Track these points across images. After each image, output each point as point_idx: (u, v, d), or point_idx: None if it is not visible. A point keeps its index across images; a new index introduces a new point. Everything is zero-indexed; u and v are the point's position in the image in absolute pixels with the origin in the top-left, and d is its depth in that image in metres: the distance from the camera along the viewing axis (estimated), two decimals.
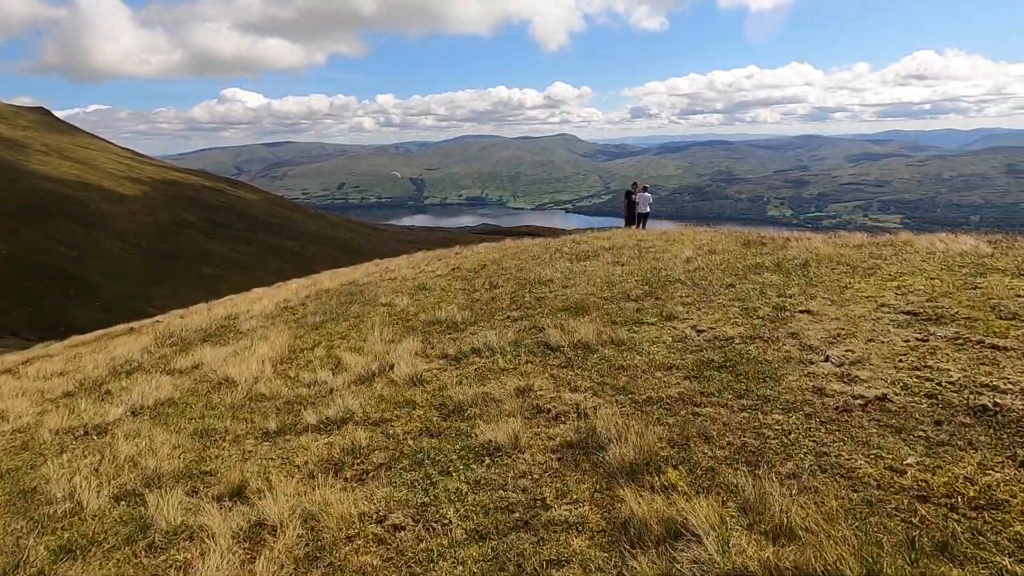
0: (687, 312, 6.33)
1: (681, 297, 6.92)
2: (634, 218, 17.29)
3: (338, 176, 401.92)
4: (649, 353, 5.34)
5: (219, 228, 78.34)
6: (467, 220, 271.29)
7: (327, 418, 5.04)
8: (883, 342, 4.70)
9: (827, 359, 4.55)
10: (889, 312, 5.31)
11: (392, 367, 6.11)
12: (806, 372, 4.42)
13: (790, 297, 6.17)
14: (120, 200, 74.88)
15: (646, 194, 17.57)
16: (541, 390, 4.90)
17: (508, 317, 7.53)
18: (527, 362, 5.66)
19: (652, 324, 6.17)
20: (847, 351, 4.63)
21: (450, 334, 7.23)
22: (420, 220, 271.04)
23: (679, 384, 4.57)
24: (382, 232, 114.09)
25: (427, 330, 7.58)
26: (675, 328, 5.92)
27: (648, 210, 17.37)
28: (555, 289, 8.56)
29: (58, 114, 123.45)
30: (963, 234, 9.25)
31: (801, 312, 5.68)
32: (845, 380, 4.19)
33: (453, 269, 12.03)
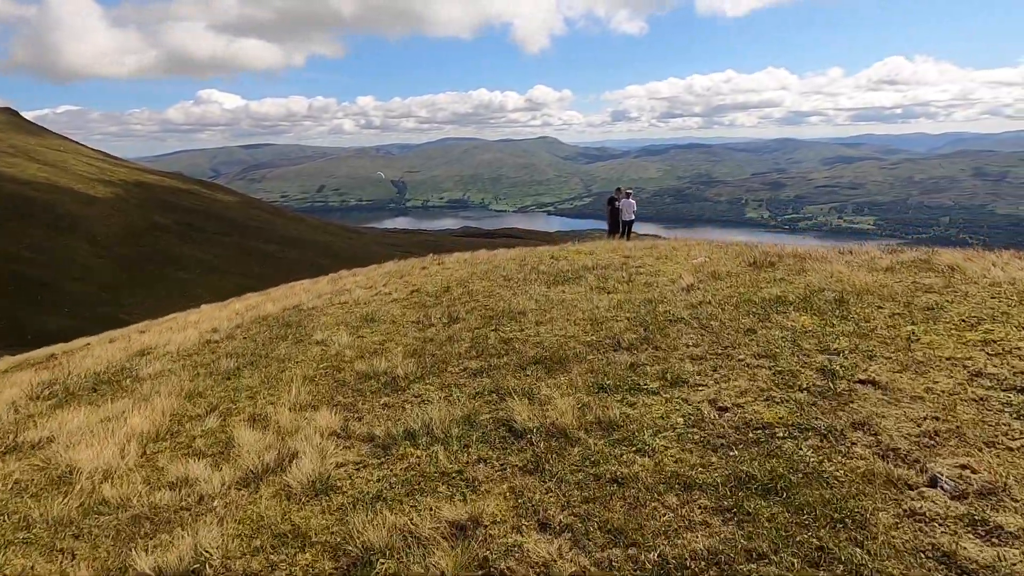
0: (699, 373, 4.68)
1: (688, 347, 5.27)
2: (618, 226, 16.19)
3: (318, 178, 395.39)
4: (654, 451, 3.65)
5: (195, 232, 75.41)
6: (449, 223, 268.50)
7: (163, 570, 3.25)
8: (1012, 448, 3.10)
9: (935, 482, 2.92)
10: (993, 387, 3.72)
11: (294, 457, 4.33)
12: (907, 510, 2.78)
13: (839, 355, 4.55)
14: (91, 203, 71.64)
15: (630, 200, 16.37)
16: (493, 526, 3.17)
17: (465, 370, 5.81)
18: (479, 459, 3.92)
19: (654, 392, 4.49)
20: (961, 467, 3.00)
21: (386, 395, 5.48)
22: (401, 223, 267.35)
23: (707, 527, 2.89)
24: (362, 235, 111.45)
25: (359, 387, 5.81)
26: (686, 401, 4.26)
27: (632, 217, 16.24)
28: (527, 327, 6.86)
29: (26, 115, 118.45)
30: (1003, 251, 7.83)
31: (863, 383, 4.06)
32: (981, 533, 2.56)
33: (412, 292, 10.24)
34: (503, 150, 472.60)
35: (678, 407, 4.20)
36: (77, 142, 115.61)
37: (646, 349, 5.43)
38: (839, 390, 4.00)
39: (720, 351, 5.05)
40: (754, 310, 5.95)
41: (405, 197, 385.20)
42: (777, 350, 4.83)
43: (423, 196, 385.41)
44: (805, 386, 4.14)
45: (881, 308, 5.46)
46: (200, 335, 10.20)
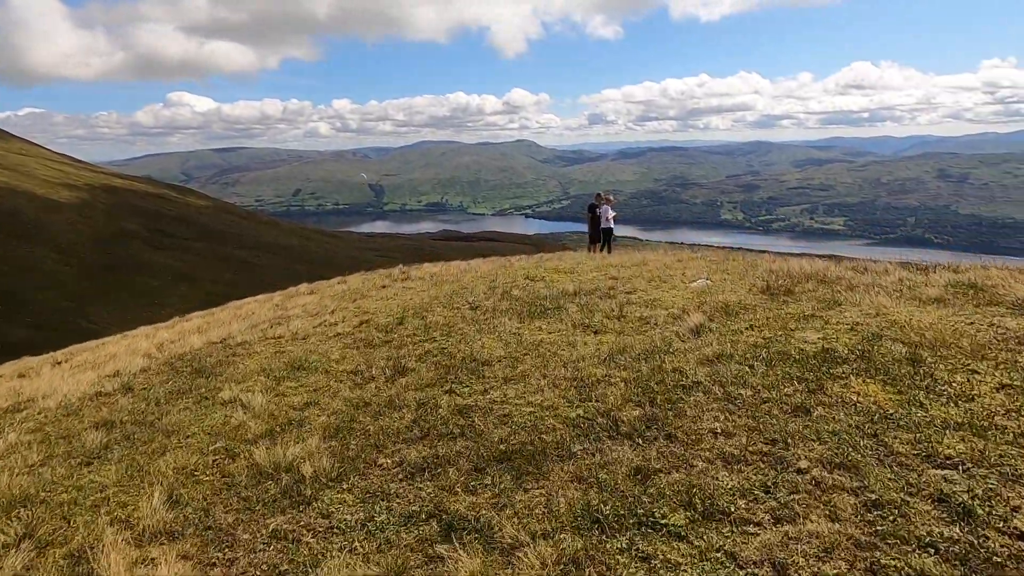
0: (744, 495, 3.05)
1: (716, 437, 3.65)
2: (599, 234, 14.76)
3: (294, 182, 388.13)
4: None
5: (165, 238, 72.26)
6: (427, 226, 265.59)
7: None
8: None
9: None
10: None
11: None
12: None
13: (959, 470, 2.95)
14: (55, 209, 68.15)
15: (609, 208, 14.80)
16: None
17: (401, 464, 4.09)
18: None
19: (678, 535, 2.85)
20: None
21: (281, 513, 3.73)
22: (380, 226, 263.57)
23: None
24: (340, 240, 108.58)
25: (248, 495, 4.04)
26: (734, 559, 2.64)
27: (612, 225, 14.72)
28: (491, 386, 5.18)
29: None
30: None
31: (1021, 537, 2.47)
32: None
33: (361, 323, 8.44)
34: (481, 153, 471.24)
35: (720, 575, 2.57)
36: (40, 146, 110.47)
37: (656, 438, 3.79)
38: (991, 551, 2.41)
39: (766, 449, 3.43)
40: (797, 372, 4.36)
41: (383, 201, 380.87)
42: (855, 454, 3.22)
43: (401, 200, 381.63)
44: (927, 539, 2.54)
45: (976, 373, 3.93)
46: (96, 381, 8.24)
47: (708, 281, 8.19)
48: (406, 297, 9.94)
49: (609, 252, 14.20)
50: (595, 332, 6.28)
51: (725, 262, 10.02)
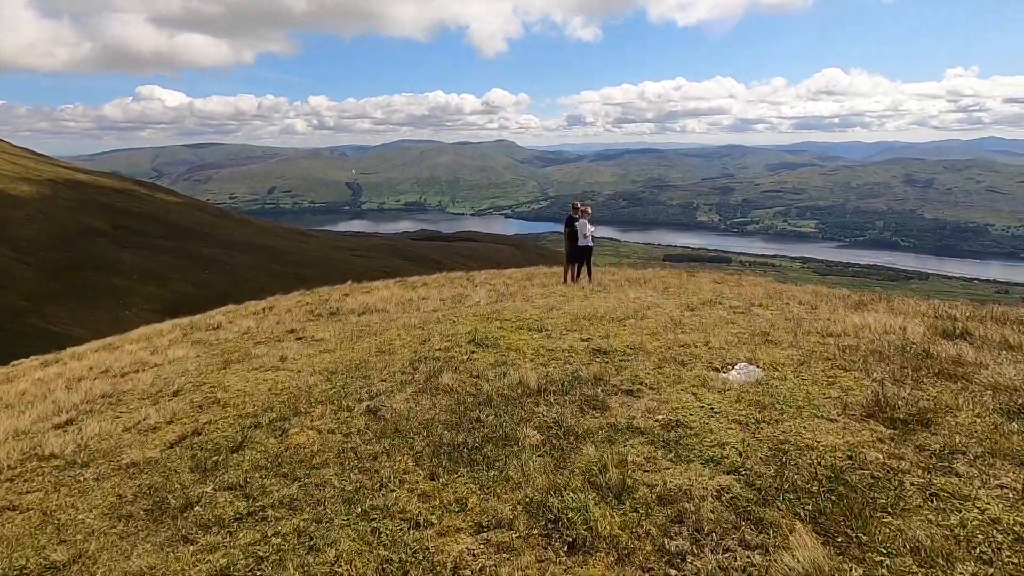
0: None
1: None
2: (576, 254, 12.47)
3: (268, 180, 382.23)
4: None
5: (133, 235, 70.40)
6: (406, 225, 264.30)
7: None
8: None
9: None
10: None
11: None
12: None
13: None
14: (13, 205, 65.63)
15: (587, 222, 12.30)
16: None
17: None
18: None
19: None
20: None
21: None
22: (357, 225, 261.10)
23: None
24: (316, 239, 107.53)
25: None
26: None
27: (590, 242, 12.44)
28: None
29: None
30: None
31: None
32: None
33: (187, 437, 5.27)
34: (460, 153, 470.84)
35: None
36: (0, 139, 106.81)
37: None
38: None
39: None
40: None
41: (360, 199, 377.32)
42: None
43: (379, 199, 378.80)
44: None
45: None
46: None
47: (757, 370, 5.04)
48: (292, 369, 6.89)
49: (590, 276, 12.55)
50: (570, 544, 2.96)
51: (755, 313, 7.49)
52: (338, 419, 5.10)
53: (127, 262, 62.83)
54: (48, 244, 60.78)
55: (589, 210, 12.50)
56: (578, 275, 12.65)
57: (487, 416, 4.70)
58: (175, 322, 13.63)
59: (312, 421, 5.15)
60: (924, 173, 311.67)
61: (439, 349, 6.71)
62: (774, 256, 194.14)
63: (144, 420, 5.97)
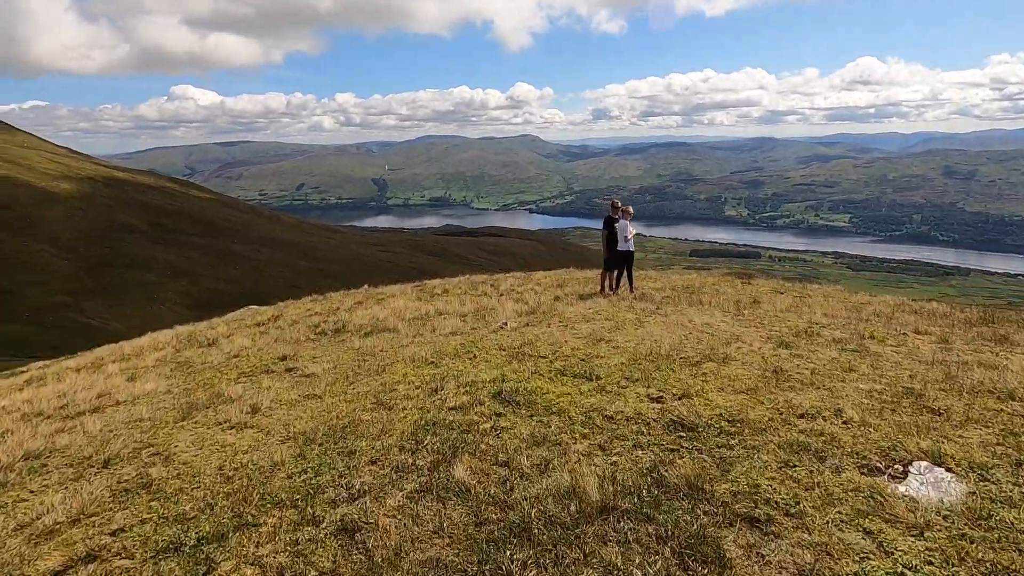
0: None
1: None
2: (616, 260, 11.22)
3: (297, 176, 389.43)
4: None
5: (166, 233, 72.47)
6: (431, 221, 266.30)
7: None
8: None
9: None
10: None
11: None
12: None
13: None
14: (54, 202, 68.21)
15: (628, 223, 11.08)
16: None
17: None
18: None
19: None
20: None
21: None
22: (383, 221, 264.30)
23: None
24: (342, 235, 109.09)
25: None
26: None
27: (631, 247, 11.14)
28: None
29: None
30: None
31: None
32: None
33: (136, 507, 4.03)
34: (485, 148, 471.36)
35: None
36: (44, 139, 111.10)
37: None
38: None
39: None
40: None
41: (386, 195, 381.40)
42: None
43: (404, 194, 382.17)
44: None
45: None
46: None
47: (950, 477, 3.34)
48: (261, 429, 5.29)
49: (631, 286, 11.32)
50: None
51: (872, 352, 5.72)
52: (295, 547, 3.30)
53: (160, 259, 64.69)
54: (87, 241, 62.97)
55: (631, 210, 11.26)
56: (617, 284, 11.44)
57: (522, 567, 2.81)
58: (177, 331, 12.92)
59: (257, 547, 3.33)
60: (966, 164, 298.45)
61: (453, 408, 5.09)
62: (805, 251, 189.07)
63: (40, 519, 4.08)
